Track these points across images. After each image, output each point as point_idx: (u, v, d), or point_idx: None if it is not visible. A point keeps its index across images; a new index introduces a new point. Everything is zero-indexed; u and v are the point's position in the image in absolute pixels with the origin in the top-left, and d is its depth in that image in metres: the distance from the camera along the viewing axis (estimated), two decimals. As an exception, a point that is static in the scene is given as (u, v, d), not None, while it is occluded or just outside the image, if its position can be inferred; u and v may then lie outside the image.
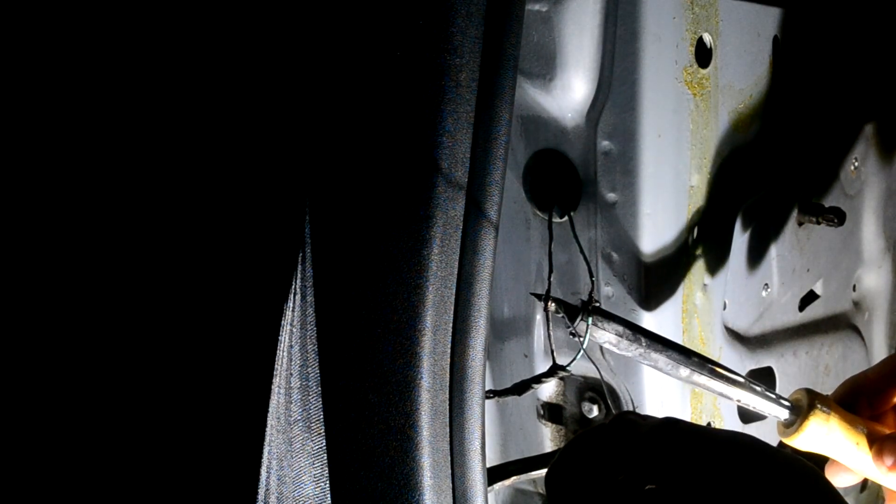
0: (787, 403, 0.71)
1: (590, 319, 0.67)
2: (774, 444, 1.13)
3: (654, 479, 0.50)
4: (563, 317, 0.69)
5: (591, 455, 0.53)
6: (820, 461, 0.74)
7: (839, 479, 0.73)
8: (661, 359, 0.69)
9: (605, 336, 0.68)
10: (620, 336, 0.68)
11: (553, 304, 0.69)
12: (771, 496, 0.46)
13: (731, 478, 0.47)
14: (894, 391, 0.73)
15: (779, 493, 0.46)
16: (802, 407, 0.70)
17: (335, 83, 0.57)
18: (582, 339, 0.68)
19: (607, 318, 0.68)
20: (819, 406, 0.69)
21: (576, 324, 0.67)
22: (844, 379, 0.77)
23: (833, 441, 0.69)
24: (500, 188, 0.61)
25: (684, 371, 0.69)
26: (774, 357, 1.10)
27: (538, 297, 0.71)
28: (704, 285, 0.93)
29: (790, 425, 0.70)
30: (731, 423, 1.03)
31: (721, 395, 0.70)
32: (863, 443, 0.69)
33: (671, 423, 0.52)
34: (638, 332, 0.69)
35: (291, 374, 0.58)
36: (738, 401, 0.70)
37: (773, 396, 0.70)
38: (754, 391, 0.70)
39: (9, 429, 0.61)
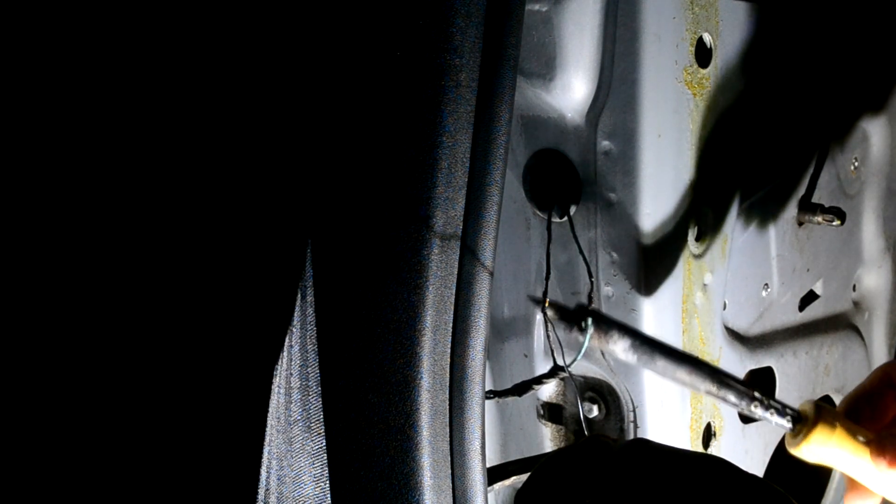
0: (792, 416, 0.71)
1: (590, 327, 0.67)
2: (776, 440, 1.13)
3: (621, 500, 0.51)
4: (561, 321, 0.69)
5: (560, 478, 0.53)
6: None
7: None
8: (668, 368, 0.69)
9: (616, 349, 0.69)
10: (632, 350, 0.69)
11: (551, 311, 0.69)
12: None
13: (700, 499, 0.47)
14: (890, 399, 0.73)
15: None
16: (809, 418, 0.70)
17: (336, 83, 0.57)
18: (582, 341, 0.68)
19: (608, 323, 0.69)
20: (825, 418, 0.70)
21: (582, 329, 0.68)
22: (844, 379, 0.77)
23: (839, 453, 0.70)
24: (500, 188, 0.61)
25: (690, 380, 0.69)
26: (774, 357, 1.10)
27: (536, 300, 0.71)
28: (704, 285, 0.93)
29: (796, 436, 0.71)
30: (731, 424, 1.03)
31: (733, 406, 0.71)
32: (868, 455, 0.70)
33: (640, 444, 0.52)
34: (648, 345, 0.69)
35: (291, 374, 0.58)
36: (745, 411, 0.71)
37: (780, 407, 0.71)
38: (762, 404, 0.71)
39: (10, 428, 0.61)
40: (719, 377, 0.70)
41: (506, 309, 0.98)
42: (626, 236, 0.84)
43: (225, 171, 0.60)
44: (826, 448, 0.70)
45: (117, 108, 0.61)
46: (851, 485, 0.73)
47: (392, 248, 0.57)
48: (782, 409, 0.71)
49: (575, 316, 0.68)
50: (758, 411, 0.70)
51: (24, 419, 0.61)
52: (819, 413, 0.70)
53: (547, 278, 0.80)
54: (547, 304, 0.69)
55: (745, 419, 1.06)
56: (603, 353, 0.91)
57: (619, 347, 0.68)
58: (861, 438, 0.70)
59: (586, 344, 0.68)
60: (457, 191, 0.58)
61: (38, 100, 0.60)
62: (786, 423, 0.71)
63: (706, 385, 0.69)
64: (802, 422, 0.71)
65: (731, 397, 0.70)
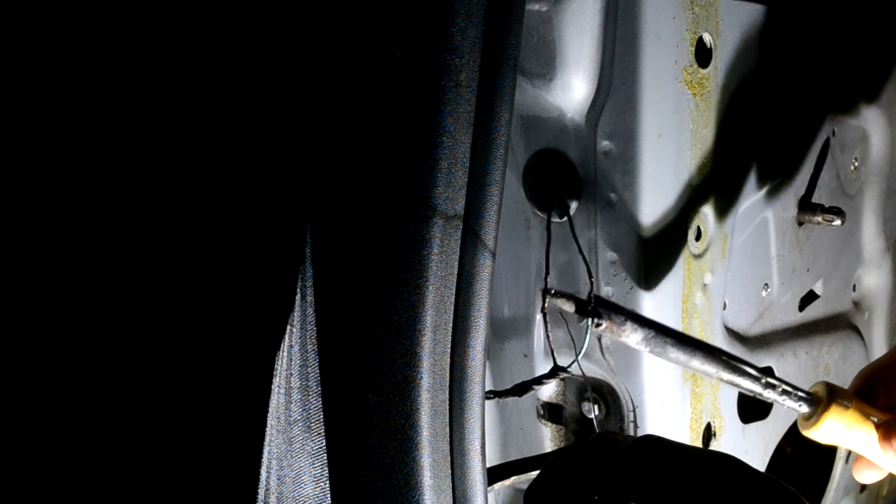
0: (806, 397, 0.72)
1: (591, 319, 0.67)
2: (776, 439, 1.13)
3: (631, 499, 0.51)
4: (574, 313, 0.69)
5: (569, 475, 0.53)
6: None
7: (865, 476, 0.73)
8: (681, 356, 0.69)
9: (629, 341, 0.69)
10: (648, 340, 0.69)
11: (560, 300, 0.69)
12: None
13: (710, 499, 0.47)
14: None
15: None
16: (822, 400, 0.71)
17: (336, 83, 0.57)
18: (582, 336, 0.68)
19: (619, 313, 0.69)
20: (838, 400, 0.70)
21: (590, 322, 0.68)
22: (844, 379, 0.77)
23: (851, 434, 0.70)
24: (500, 188, 0.61)
25: (712, 370, 0.70)
26: (774, 357, 1.10)
27: (552, 294, 0.71)
28: (704, 285, 0.93)
29: (809, 418, 0.71)
30: (732, 424, 1.03)
31: (746, 391, 0.71)
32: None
33: (648, 442, 0.52)
34: (661, 335, 0.69)
35: (291, 374, 0.58)
36: (760, 396, 0.71)
37: (792, 390, 0.71)
38: (775, 387, 0.71)
39: (9, 429, 0.61)
40: (732, 364, 0.70)
41: (506, 309, 0.98)
42: (626, 236, 0.84)
43: (224, 173, 0.60)
44: (839, 429, 0.70)
45: (116, 106, 0.61)
46: (860, 455, 0.73)
47: (392, 248, 0.57)
48: (795, 393, 0.71)
49: (584, 306, 0.68)
50: (771, 395, 0.71)
51: (24, 419, 0.61)
52: (832, 394, 0.70)
53: (546, 276, 0.80)
54: (550, 298, 0.69)
55: (746, 419, 1.06)
56: (603, 353, 0.91)
57: (633, 339, 0.68)
58: (874, 419, 0.70)
59: (587, 342, 0.68)
60: (457, 191, 0.58)
61: (38, 100, 0.60)
62: (799, 406, 0.71)
63: (719, 371, 0.70)
64: (815, 404, 0.71)
65: (745, 383, 0.70)
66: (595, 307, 0.67)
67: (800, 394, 0.72)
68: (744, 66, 0.90)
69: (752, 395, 0.71)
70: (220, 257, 0.60)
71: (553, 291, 0.69)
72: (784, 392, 0.71)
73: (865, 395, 0.73)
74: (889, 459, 0.69)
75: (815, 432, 0.71)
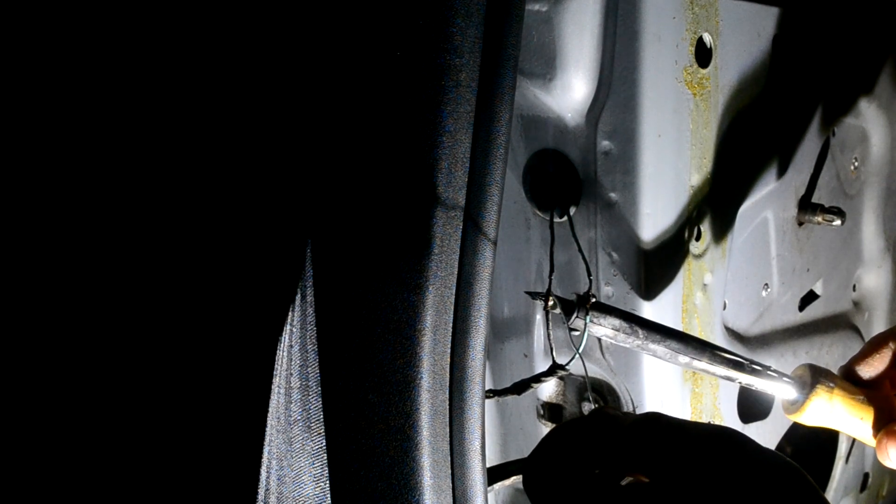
0: (790, 381, 0.71)
1: (588, 316, 0.67)
2: (777, 439, 1.13)
3: (632, 472, 0.50)
4: (560, 313, 0.69)
5: (568, 448, 0.52)
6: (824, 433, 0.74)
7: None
8: (659, 348, 0.69)
9: (601, 330, 0.68)
10: (617, 329, 0.68)
11: (551, 301, 0.69)
12: (753, 493, 0.45)
13: (713, 473, 0.46)
14: (889, 367, 0.72)
15: (761, 491, 0.45)
16: (806, 383, 0.70)
17: (336, 83, 0.57)
18: (580, 334, 0.68)
19: (604, 311, 0.68)
20: (822, 382, 0.69)
21: (572, 319, 0.67)
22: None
23: (838, 416, 0.69)
24: (500, 188, 0.61)
25: (684, 358, 0.69)
26: (774, 357, 1.10)
27: (534, 295, 0.71)
28: (704, 285, 0.93)
29: (794, 402, 0.70)
30: (731, 423, 1.03)
31: (724, 377, 0.70)
32: (868, 416, 0.69)
33: (652, 418, 0.52)
34: (635, 323, 0.69)
35: (291, 374, 0.58)
36: (741, 382, 0.70)
37: (776, 375, 0.70)
38: (756, 371, 0.70)
39: (9, 429, 0.61)
40: (717, 354, 0.69)
41: (506, 309, 0.98)
42: (626, 236, 0.84)
43: (225, 173, 0.60)
44: (825, 411, 0.69)
45: (118, 108, 0.61)
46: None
47: (392, 248, 0.57)
48: (779, 377, 0.70)
49: (572, 306, 0.68)
50: (751, 380, 0.70)
51: (25, 419, 0.61)
52: (816, 376, 0.69)
53: (550, 276, 0.79)
54: (549, 297, 0.69)
55: (746, 418, 1.06)
56: (603, 353, 0.91)
57: (619, 337, 0.68)
58: (860, 398, 0.69)
59: (585, 334, 0.68)
60: (457, 191, 0.58)
61: (38, 100, 0.60)
62: (784, 389, 0.70)
63: (702, 363, 0.69)
64: (799, 387, 0.70)
65: (723, 370, 0.69)
66: (582, 306, 0.67)
67: (784, 378, 0.71)
68: (744, 66, 0.90)
69: (731, 381, 0.70)
70: (221, 258, 0.60)
71: (550, 296, 0.69)
72: (765, 376, 0.70)
73: (875, 361, 0.71)
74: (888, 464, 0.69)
75: (802, 416, 0.70)
